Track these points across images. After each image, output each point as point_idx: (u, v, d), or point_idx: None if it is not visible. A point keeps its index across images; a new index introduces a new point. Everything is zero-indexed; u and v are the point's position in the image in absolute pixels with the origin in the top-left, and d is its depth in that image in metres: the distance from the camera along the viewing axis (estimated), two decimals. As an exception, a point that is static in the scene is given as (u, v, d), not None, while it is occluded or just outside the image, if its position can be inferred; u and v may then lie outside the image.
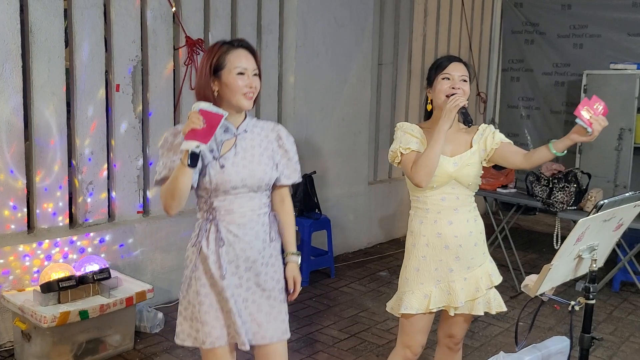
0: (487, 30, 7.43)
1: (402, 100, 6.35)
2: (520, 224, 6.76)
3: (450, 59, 2.44)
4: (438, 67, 2.43)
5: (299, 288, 2.27)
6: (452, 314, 2.47)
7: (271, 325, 2.18)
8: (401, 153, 2.39)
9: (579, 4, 6.68)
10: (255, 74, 2.11)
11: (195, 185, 2.11)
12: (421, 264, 2.45)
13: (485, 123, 7.48)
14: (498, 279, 2.54)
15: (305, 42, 5.00)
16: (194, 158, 1.93)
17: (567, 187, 4.54)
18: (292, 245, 2.29)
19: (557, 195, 4.54)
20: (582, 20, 6.63)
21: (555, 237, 4.56)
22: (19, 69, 3.47)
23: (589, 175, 4.75)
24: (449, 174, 2.38)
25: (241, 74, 2.06)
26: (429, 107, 2.48)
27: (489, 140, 2.46)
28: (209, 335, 2.11)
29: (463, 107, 2.33)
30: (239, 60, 2.07)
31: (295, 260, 2.29)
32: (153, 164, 4.23)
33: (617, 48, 6.40)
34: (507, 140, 2.48)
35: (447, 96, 2.36)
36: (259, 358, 2.26)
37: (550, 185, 4.60)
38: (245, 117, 2.19)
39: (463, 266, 2.45)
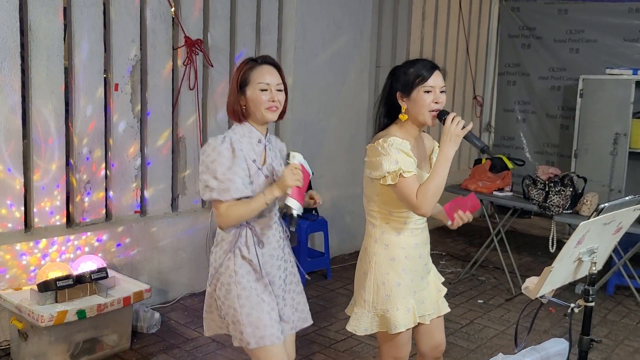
0: (484, 34, 7.47)
1: (399, 103, 6.36)
2: (515, 227, 6.78)
3: (431, 68, 2.26)
4: (418, 77, 2.25)
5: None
6: (428, 322, 2.44)
7: (305, 310, 2.46)
8: (401, 176, 2.20)
9: (575, 9, 6.73)
10: (279, 89, 2.22)
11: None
12: (402, 277, 2.35)
13: (481, 126, 7.60)
14: (440, 275, 2.63)
15: (304, 43, 5.01)
16: (293, 219, 2.09)
17: (563, 190, 4.56)
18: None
19: (553, 199, 4.56)
20: (579, 25, 6.67)
21: (550, 240, 4.58)
22: (18, 67, 3.47)
23: (585, 179, 4.77)
24: None
25: (264, 90, 2.19)
26: (404, 117, 2.30)
27: None
28: (252, 335, 2.21)
29: (470, 132, 2.20)
30: (262, 76, 2.20)
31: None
32: (151, 164, 4.23)
33: (613, 53, 6.45)
34: None
35: (431, 111, 2.25)
36: (286, 343, 2.37)
37: (547, 189, 4.62)
38: (267, 129, 2.33)
39: (426, 271, 2.47)
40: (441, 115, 2.25)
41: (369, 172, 2.32)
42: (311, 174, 2.17)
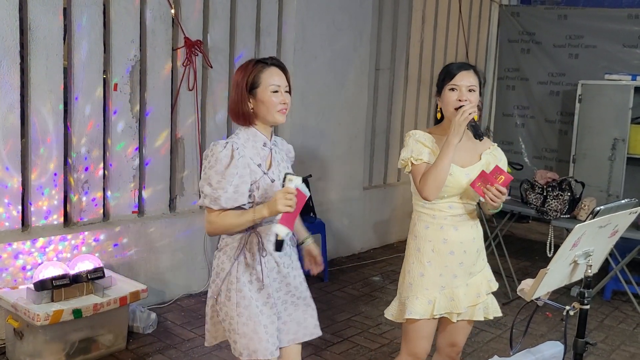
0: (483, 39, 7.48)
1: (398, 106, 6.37)
2: (513, 231, 6.78)
3: (460, 67, 2.38)
4: (447, 75, 2.39)
5: (321, 260, 2.47)
6: (455, 320, 2.45)
7: (310, 322, 2.39)
8: (412, 163, 2.37)
9: (575, 14, 6.74)
10: (287, 91, 2.21)
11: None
12: (426, 269, 2.42)
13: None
14: (495, 284, 2.57)
15: (304, 45, 5.02)
16: (280, 243, 2.03)
17: (561, 195, 4.56)
18: (305, 231, 2.50)
19: (551, 203, 4.57)
20: (578, 31, 6.68)
21: (548, 245, 4.58)
22: (17, 66, 3.47)
23: (583, 184, 4.78)
24: (461, 186, 2.37)
25: (275, 91, 2.17)
26: (439, 115, 2.46)
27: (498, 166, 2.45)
28: (246, 347, 2.17)
29: (472, 120, 2.29)
30: (273, 78, 2.18)
31: (313, 241, 2.49)
32: (149, 164, 4.23)
33: (612, 59, 6.46)
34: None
35: (455, 109, 2.33)
36: (290, 354, 2.37)
37: (545, 193, 4.63)
38: (272, 132, 2.30)
39: (466, 272, 2.45)
40: (475, 131, 2.34)
41: (398, 164, 2.49)
42: (308, 195, 2.09)
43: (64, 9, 3.68)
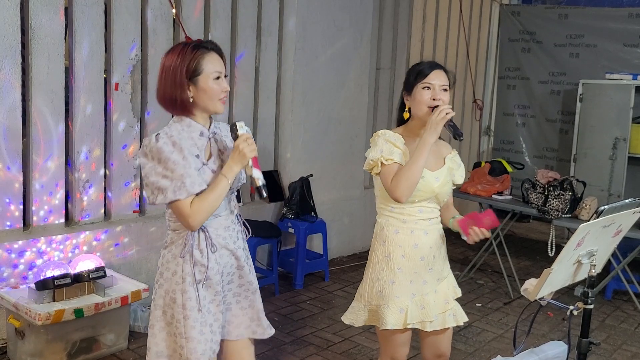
0: (484, 38, 7.48)
1: (399, 106, 6.36)
2: (514, 231, 6.78)
3: (432, 66, 2.31)
4: (419, 74, 2.30)
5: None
6: (428, 330, 2.39)
7: (263, 319, 2.27)
8: (382, 163, 2.27)
9: (575, 13, 6.74)
10: (225, 76, 2.08)
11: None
12: (397, 276, 2.33)
13: (481, 130, 7.60)
14: (459, 291, 2.55)
15: (305, 44, 5.01)
16: (261, 189, 2.02)
17: (563, 194, 4.56)
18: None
19: (553, 203, 4.56)
20: (579, 30, 6.68)
21: (549, 244, 4.58)
22: (18, 66, 3.46)
23: (584, 184, 4.77)
24: (432, 190, 2.32)
25: (217, 78, 2.03)
26: (406, 115, 2.37)
27: (457, 174, 2.46)
28: (193, 351, 2.05)
29: (450, 120, 2.23)
30: (214, 64, 2.03)
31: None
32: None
33: (613, 58, 6.46)
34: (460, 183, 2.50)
35: (430, 107, 2.27)
36: (238, 350, 2.26)
37: (546, 193, 4.62)
38: (211, 119, 2.15)
39: (434, 278, 2.40)
40: (455, 130, 2.28)
41: (364, 165, 2.39)
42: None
43: (65, 9, 3.68)
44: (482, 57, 7.49)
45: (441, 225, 2.45)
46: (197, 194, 1.98)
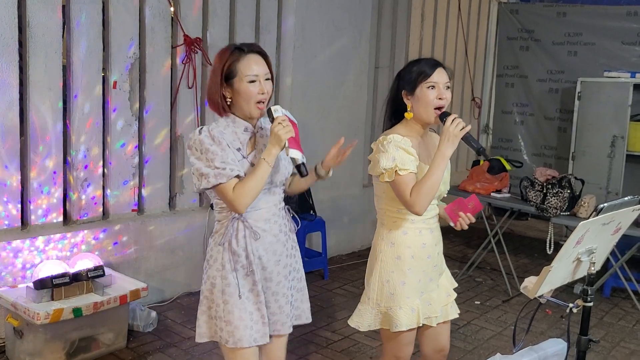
0: (482, 36, 7.47)
1: (397, 104, 6.36)
2: (512, 229, 6.79)
3: (434, 65, 2.29)
4: (421, 73, 2.27)
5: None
6: (434, 324, 2.41)
7: (302, 308, 2.40)
8: (396, 173, 2.22)
9: (574, 12, 6.74)
10: (267, 79, 2.13)
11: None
12: (407, 277, 2.34)
13: (479, 128, 7.60)
14: (455, 282, 2.60)
15: (303, 43, 5.01)
16: (300, 167, 2.08)
17: (561, 192, 4.56)
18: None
19: (551, 201, 4.57)
20: (577, 28, 6.68)
21: (548, 242, 4.59)
22: (16, 64, 3.45)
23: (583, 181, 4.78)
24: (439, 191, 2.35)
25: (253, 81, 2.10)
26: (409, 115, 2.32)
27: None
28: (231, 335, 2.15)
29: (468, 133, 2.21)
30: (250, 67, 2.09)
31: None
32: (149, 162, 4.22)
33: (611, 56, 6.46)
34: None
35: (437, 108, 2.26)
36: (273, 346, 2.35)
37: (544, 191, 4.63)
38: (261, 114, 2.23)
39: (437, 273, 2.44)
40: (442, 116, 2.26)
41: (370, 169, 2.35)
42: (296, 122, 2.14)
43: (63, 7, 3.67)
44: (481, 55, 7.49)
45: (438, 222, 2.48)
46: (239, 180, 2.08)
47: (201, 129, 2.12)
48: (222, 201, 2.14)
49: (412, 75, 2.29)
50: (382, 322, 2.40)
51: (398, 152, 2.24)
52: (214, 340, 2.24)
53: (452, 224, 2.29)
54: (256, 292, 2.18)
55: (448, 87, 2.30)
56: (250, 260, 2.16)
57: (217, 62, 2.14)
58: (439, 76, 2.27)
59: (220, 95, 2.12)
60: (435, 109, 2.27)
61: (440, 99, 2.26)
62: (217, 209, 2.22)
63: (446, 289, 2.50)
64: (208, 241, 2.28)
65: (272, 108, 2.11)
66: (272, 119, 2.10)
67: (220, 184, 2.05)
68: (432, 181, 2.18)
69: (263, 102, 2.13)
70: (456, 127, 2.18)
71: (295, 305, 2.38)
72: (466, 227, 2.27)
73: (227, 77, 2.10)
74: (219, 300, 2.16)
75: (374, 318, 2.41)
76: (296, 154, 2.08)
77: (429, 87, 2.26)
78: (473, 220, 2.27)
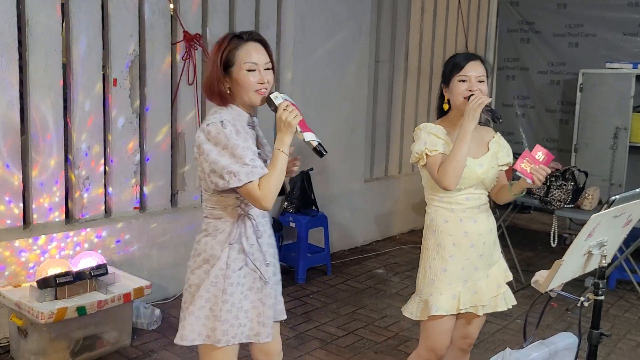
0: (483, 29, 7.44)
1: (398, 98, 6.34)
2: (515, 222, 6.77)
3: (467, 58, 2.36)
4: (455, 66, 2.35)
5: None
6: (481, 314, 2.44)
7: (282, 302, 2.34)
8: (427, 155, 2.33)
9: (574, 3, 6.71)
10: (267, 68, 2.05)
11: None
12: (448, 264, 2.39)
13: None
14: (510, 274, 2.59)
15: (303, 38, 4.98)
16: (317, 148, 2.03)
17: (565, 185, 4.54)
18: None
19: (555, 193, 4.55)
20: (578, 20, 6.66)
21: (552, 235, 4.56)
22: (16, 63, 3.43)
23: (586, 174, 4.76)
24: (477, 176, 2.36)
25: (252, 70, 2.02)
26: (446, 106, 2.42)
27: (502, 155, 2.47)
28: (225, 333, 2.08)
29: (487, 105, 2.27)
30: (249, 55, 2.01)
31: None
32: (150, 159, 4.19)
33: (612, 47, 6.44)
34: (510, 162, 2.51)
35: (465, 98, 2.31)
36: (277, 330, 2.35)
37: (548, 183, 4.60)
38: (255, 109, 2.19)
39: (485, 264, 2.45)
40: (493, 114, 2.32)
41: (411, 159, 2.44)
42: (296, 105, 2.08)
43: (62, 4, 3.64)
44: (481, 48, 7.46)
45: (490, 212, 2.48)
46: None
47: (222, 121, 1.99)
48: (247, 199, 2.02)
49: (446, 69, 2.40)
50: (423, 310, 2.44)
51: (429, 136, 2.35)
52: (196, 343, 2.12)
53: (529, 181, 2.25)
54: (255, 290, 2.14)
55: (481, 81, 2.33)
56: (263, 252, 2.15)
57: (214, 51, 2.05)
58: (472, 69, 2.33)
59: (222, 84, 2.04)
60: (465, 98, 2.32)
61: (470, 90, 2.31)
62: (215, 207, 2.11)
63: (497, 280, 2.48)
64: (199, 238, 2.17)
65: (272, 95, 2.02)
66: (274, 107, 2.02)
67: (251, 182, 1.95)
68: (456, 155, 2.24)
69: (265, 91, 2.06)
70: (474, 102, 2.25)
71: (279, 299, 2.34)
72: (543, 180, 2.23)
73: (226, 65, 2.02)
74: (218, 299, 2.08)
75: (416, 306, 2.48)
76: (311, 136, 2.03)
77: (460, 80, 2.33)
78: (548, 170, 2.24)
